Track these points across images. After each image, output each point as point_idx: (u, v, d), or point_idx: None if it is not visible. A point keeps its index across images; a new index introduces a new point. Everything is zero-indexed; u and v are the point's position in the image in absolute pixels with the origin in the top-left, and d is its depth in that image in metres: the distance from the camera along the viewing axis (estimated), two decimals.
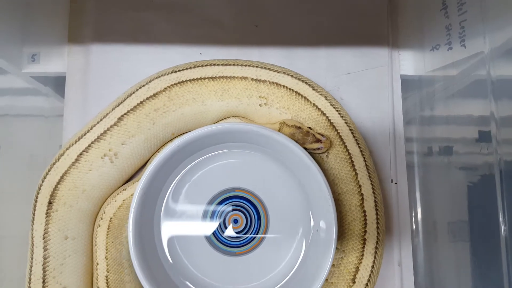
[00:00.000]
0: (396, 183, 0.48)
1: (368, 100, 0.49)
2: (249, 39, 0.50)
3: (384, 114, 0.49)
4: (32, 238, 0.41)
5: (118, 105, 0.43)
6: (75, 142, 0.43)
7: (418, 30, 0.51)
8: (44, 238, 0.41)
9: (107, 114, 0.43)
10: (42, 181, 0.42)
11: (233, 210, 0.44)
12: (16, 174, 0.45)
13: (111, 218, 0.43)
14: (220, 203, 0.44)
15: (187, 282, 0.42)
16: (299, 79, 0.44)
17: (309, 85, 0.44)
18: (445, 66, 0.48)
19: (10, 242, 0.44)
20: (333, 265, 0.42)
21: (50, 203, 0.42)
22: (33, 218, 0.42)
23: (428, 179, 0.48)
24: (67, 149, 0.43)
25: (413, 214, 0.48)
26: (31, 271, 0.41)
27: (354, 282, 0.41)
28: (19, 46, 0.47)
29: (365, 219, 0.42)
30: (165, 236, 0.43)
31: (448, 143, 0.46)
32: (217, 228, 0.44)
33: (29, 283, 0.41)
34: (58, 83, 0.50)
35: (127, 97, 0.43)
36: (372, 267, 0.41)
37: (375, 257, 0.42)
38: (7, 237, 0.44)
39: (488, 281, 0.40)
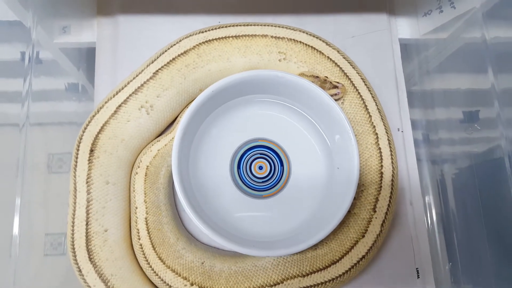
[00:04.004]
0: (402, 131, 0.53)
1: (372, 60, 0.54)
2: (262, 7, 0.55)
3: (387, 71, 0.54)
4: (75, 184, 0.44)
5: (152, 62, 0.47)
6: (113, 96, 0.46)
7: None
8: (87, 182, 0.44)
9: (142, 71, 0.47)
10: (83, 132, 0.45)
11: (258, 158, 0.48)
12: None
13: (147, 166, 0.46)
14: (245, 152, 0.48)
15: (220, 219, 0.46)
16: (313, 36, 0.50)
17: (323, 40, 0.49)
18: (436, 28, 0.55)
19: None
20: (354, 198, 0.46)
21: (91, 150, 0.44)
22: (75, 166, 0.44)
23: (430, 128, 0.53)
24: (106, 103, 0.46)
25: (419, 158, 0.53)
26: (74, 215, 0.43)
27: (374, 211, 0.45)
28: (51, 19, 0.51)
29: (381, 155, 0.46)
30: (199, 179, 0.47)
31: (445, 97, 0.52)
32: (243, 174, 0.48)
33: (72, 226, 0.43)
34: (88, 55, 0.53)
35: (160, 55, 0.47)
36: (390, 197, 0.46)
37: (392, 188, 0.46)
38: None
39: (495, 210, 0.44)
